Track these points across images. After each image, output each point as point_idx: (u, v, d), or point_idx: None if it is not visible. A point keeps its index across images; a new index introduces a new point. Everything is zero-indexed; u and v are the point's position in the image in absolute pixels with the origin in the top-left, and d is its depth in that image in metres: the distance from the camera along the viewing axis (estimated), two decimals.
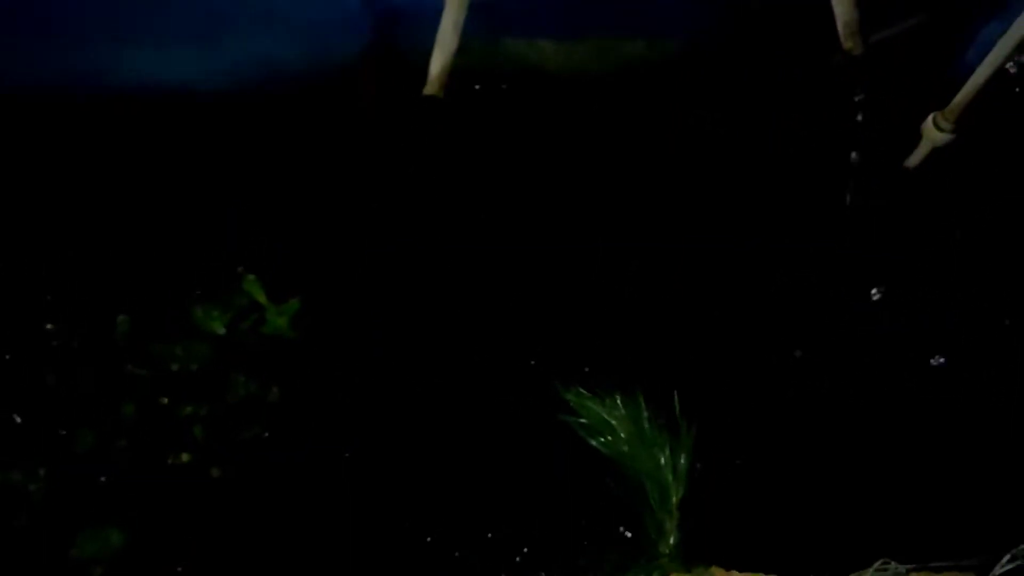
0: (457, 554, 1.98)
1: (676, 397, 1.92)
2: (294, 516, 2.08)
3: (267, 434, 2.19)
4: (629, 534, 1.82)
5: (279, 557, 2.05)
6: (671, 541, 1.72)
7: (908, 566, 1.66)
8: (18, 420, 2.08)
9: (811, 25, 2.56)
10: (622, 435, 1.82)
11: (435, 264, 2.42)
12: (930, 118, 2.49)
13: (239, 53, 2.62)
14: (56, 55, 2.60)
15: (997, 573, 1.59)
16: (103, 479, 2.03)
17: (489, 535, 1.98)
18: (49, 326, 2.24)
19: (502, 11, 2.57)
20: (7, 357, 2.16)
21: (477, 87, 2.51)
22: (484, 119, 2.57)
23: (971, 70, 2.43)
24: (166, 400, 2.12)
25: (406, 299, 2.36)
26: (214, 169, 2.48)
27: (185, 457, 2.07)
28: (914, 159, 2.58)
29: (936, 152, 2.53)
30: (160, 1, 2.51)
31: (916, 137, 2.55)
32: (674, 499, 1.76)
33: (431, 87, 2.24)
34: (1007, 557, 1.58)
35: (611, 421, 1.85)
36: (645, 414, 1.85)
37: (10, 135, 2.51)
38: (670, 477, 1.75)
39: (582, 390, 1.96)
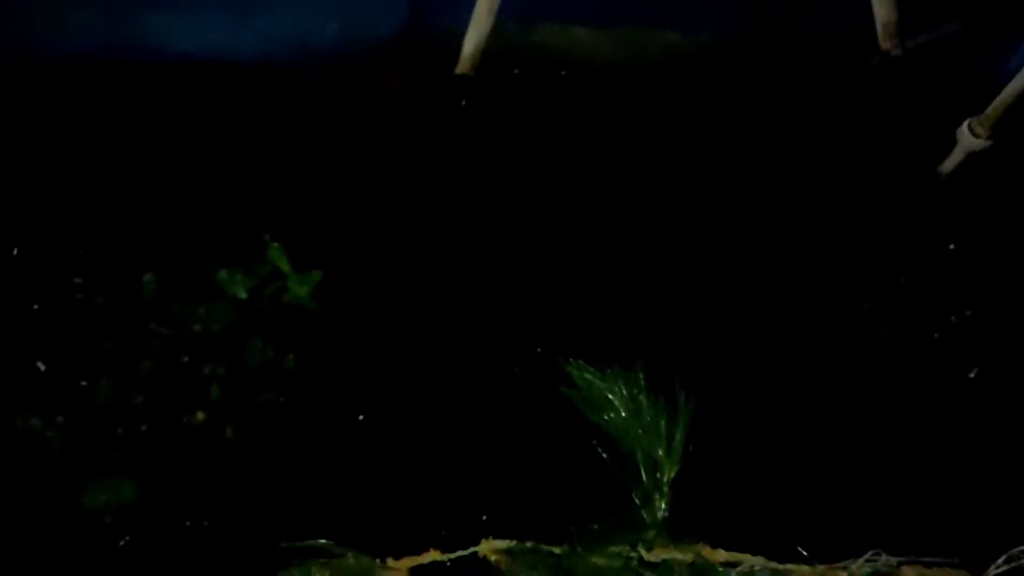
0: (449, 516, 1.98)
1: (676, 376, 1.92)
2: (302, 480, 2.11)
3: (281, 399, 2.23)
4: (619, 508, 1.82)
5: (285, 519, 2.07)
6: (659, 516, 1.72)
7: (899, 559, 1.63)
8: (42, 368, 2.13)
9: (850, 24, 2.54)
10: (621, 411, 1.82)
11: (451, 244, 2.44)
12: (966, 124, 2.46)
13: (272, 26, 2.67)
14: (95, 22, 2.66)
15: (992, 574, 1.56)
16: (119, 431, 2.08)
17: (483, 500, 2.00)
18: (77, 280, 2.29)
19: None
20: (35, 307, 2.22)
21: (514, 71, 2.53)
22: (512, 103, 2.60)
23: (1009, 77, 2.40)
24: (186, 359, 2.16)
25: (421, 276, 2.38)
26: (245, 138, 2.52)
27: (200, 416, 2.11)
28: (948, 164, 2.55)
29: (971, 158, 2.51)
30: None
31: (950, 142, 2.54)
32: (666, 476, 1.76)
33: (463, 66, 2.26)
34: (1003, 558, 1.54)
35: (609, 396, 1.85)
36: (643, 389, 1.85)
37: (50, 101, 2.59)
38: (662, 453, 1.75)
39: (583, 364, 1.97)
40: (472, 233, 2.39)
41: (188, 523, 2.03)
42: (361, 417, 2.13)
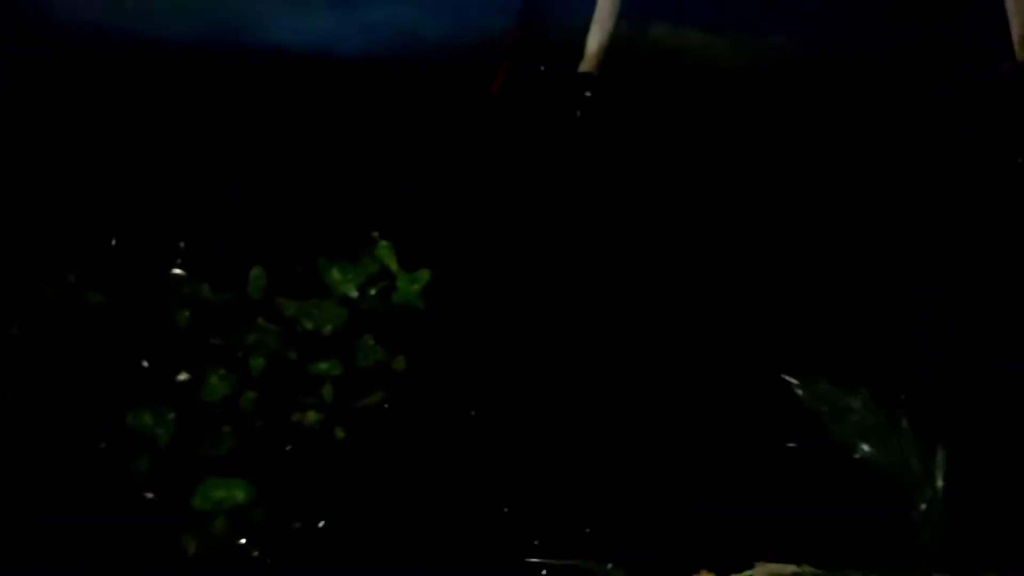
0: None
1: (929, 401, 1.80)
2: (412, 485, 2.04)
3: (386, 405, 2.16)
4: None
5: (394, 525, 2.00)
6: (937, 546, 1.60)
7: None
8: (145, 365, 2.07)
9: (979, 31, 2.46)
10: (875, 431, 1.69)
11: (567, 243, 2.37)
12: None
13: (376, 17, 2.61)
14: (196, 9, 2.61)
15: None
16: (228, 430, 2.02)
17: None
18: (179, 272, 2.23)
19: None
20: (141, 302, 2.15)
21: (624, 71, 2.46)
22: (627, 103, 2.53)
23: None
24: (294, 356, 2.10)
25: (536, 276, 2.31)
26: (353, 134, 2.46)
27: (312, 416, 2.04)
28: None
29: None
30: None
31: None
32: (937, 502, 1.62)
33: (587, 64, 2.20)
34: None
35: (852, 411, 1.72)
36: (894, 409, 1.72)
37: (150, 90, 2.54)
38: (927, 477, 1.62)
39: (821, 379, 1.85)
40: (589, 232, 2.32)
41: (297, 525, 1.98)
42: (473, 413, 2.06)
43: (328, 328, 2.11)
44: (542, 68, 2.37)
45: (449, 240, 2.32)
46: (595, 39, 2.21)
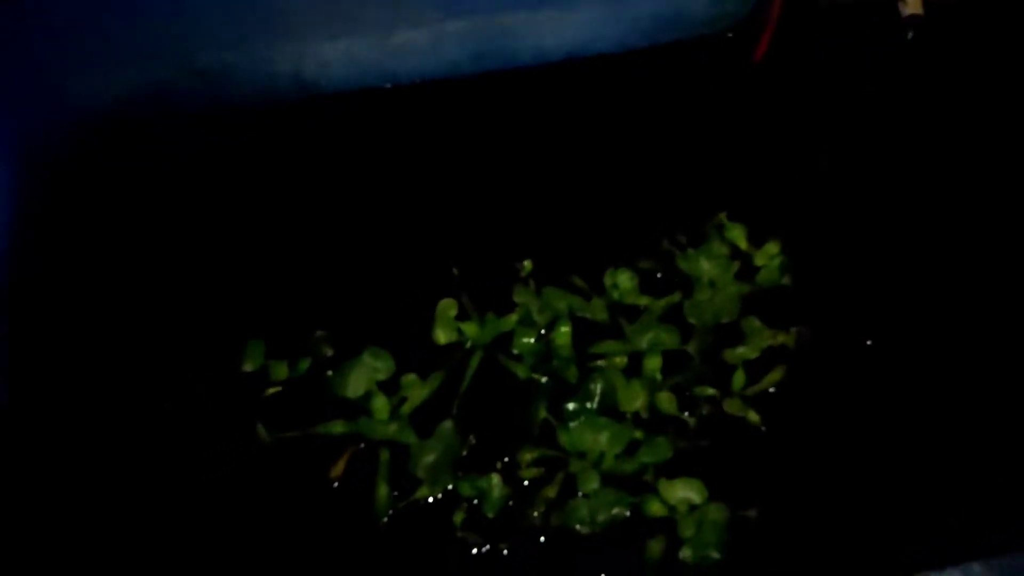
0: None
1: None
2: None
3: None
4: None
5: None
6: None
7: None
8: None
9: None
10: None
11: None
12: None
13: (644, 9, 2.55)
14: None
15: None
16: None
17: None
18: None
19: None
20: None
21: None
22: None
23: None
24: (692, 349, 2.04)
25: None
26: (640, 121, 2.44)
27: (733, 405, 1.97)
28: None
29: None
30: None
31: None
32: None
33: (913, 5, 2.13)
34: None
35: None
36: None
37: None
38: None
39: None
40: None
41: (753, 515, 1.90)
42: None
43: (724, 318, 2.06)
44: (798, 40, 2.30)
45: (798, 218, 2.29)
46: None
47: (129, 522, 1.93)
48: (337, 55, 2.48)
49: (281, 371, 2.02)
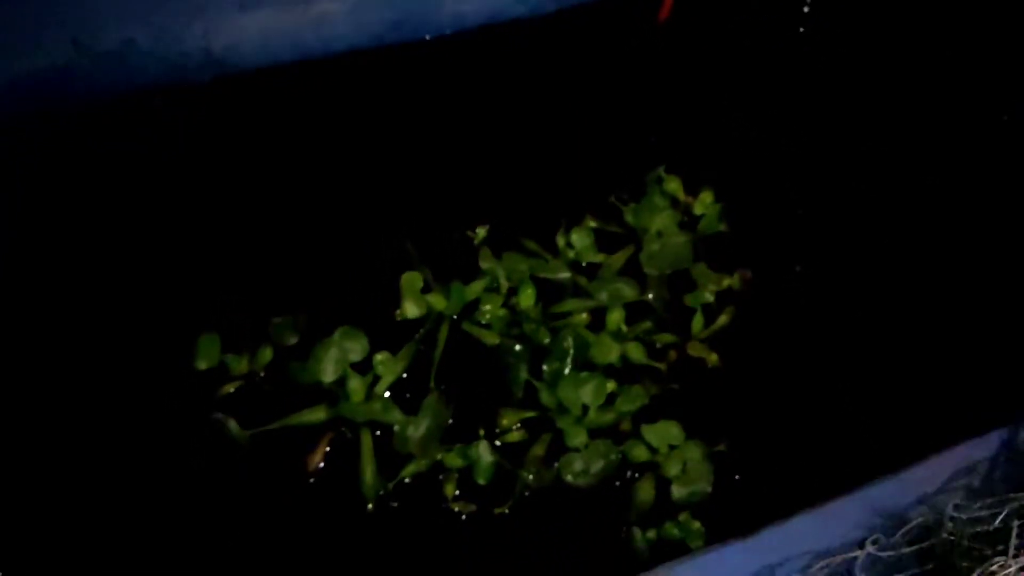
0: None
1: None
2: None
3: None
4: None
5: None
6: None
7: None
8: None
9: None
10: None
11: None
12: None
13: None
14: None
15: None
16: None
17: None
18: None
19: None
20: None
21: None
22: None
23: None
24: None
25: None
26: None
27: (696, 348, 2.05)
28: None
29: None
30: None
31: None
32: None
33: None
34: None
35: None
36: None
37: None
38: None
39: None
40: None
41: None
42: None
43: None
44: None
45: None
46: None
47: (97, 538, 1.80)
48: (249, 30, 2.38)
49: (240, 365, 1.93)
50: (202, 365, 1.93)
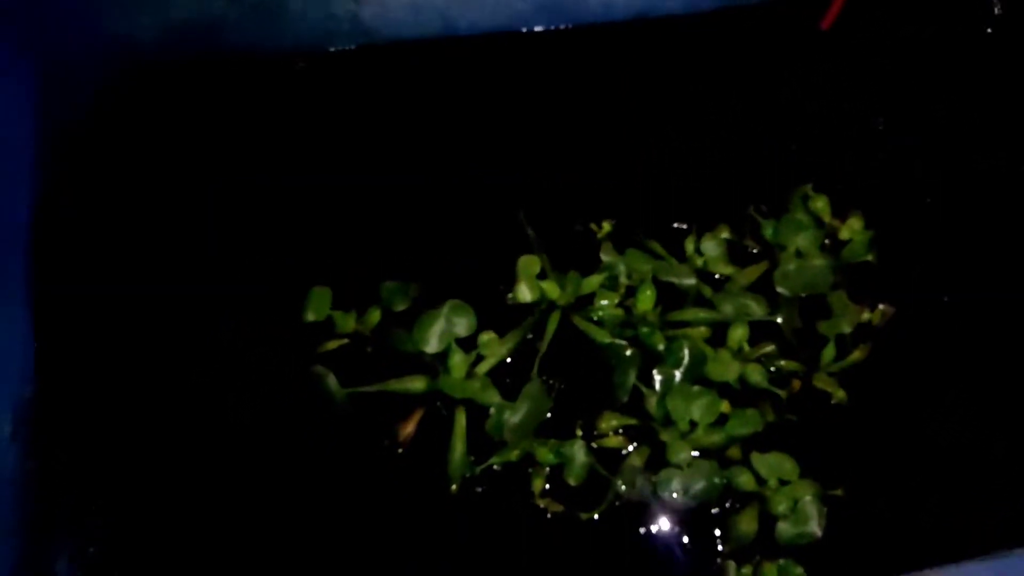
0: None
1: None
2: None
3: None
4: None
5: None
6: None
7: None
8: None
9: None
10: None
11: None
12: None
13: None
14: None
15: None
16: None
17: None
18: None
19: None
20: None
21: None
22: None
23: None
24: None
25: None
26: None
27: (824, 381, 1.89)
28: None
29: None
30: None
31: None
32: None
33: None
34: None
35: None
36: None
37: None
38: None
39: None
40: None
41: None
42: None
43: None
44: None
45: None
46: None
47: (189, 481, 1.81)
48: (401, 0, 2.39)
49: (347, 323, 1.91)
50: (310, 317, 1.93)
